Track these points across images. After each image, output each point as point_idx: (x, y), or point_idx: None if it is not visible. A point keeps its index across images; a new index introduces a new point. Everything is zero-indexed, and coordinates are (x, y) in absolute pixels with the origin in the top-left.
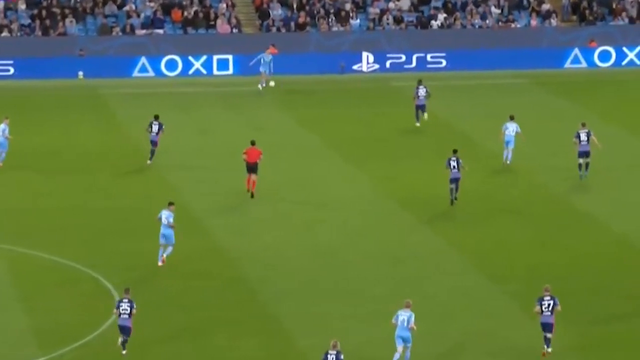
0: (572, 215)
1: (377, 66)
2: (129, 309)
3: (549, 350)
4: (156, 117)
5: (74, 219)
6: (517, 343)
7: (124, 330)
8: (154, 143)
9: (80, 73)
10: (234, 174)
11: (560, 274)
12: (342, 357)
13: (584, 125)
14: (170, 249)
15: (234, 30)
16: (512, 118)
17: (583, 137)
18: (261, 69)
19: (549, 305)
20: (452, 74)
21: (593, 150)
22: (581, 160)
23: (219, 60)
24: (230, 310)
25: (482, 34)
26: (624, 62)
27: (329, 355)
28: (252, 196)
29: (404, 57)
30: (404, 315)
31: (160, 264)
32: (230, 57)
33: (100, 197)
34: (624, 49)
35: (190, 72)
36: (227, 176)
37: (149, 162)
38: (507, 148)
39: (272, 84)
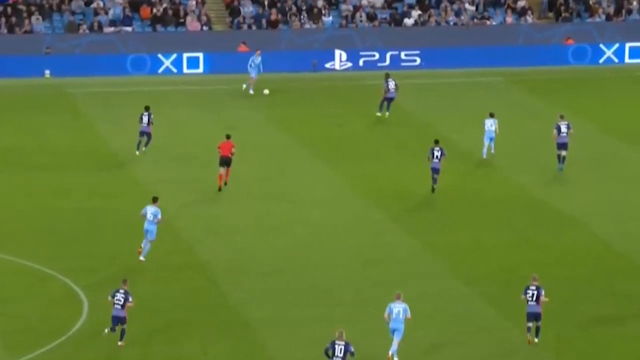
0: (549, 214)
1: (350, 64)
2: (122, 299)
3: (536, 340)
4: (147, 108)
5: (42, 221)
6: (492, 346)
7: (115, 320)
8: (142, 134)
9: (47, 72)
10: (205, 174)
11: (537, 275)
12: (352, 348)
13: (562, 117)
14: (148, 246)
15: (204, 28)
16: (492, 115)
17: (563, 128)
18: (253, 74)
19: (533, 294)
20: (427, 72)
21: (571, 146)
22: (559, 152)
23: (188, 59)
24: (201, 314)
25: (457, 31)
26: (600, 60)
27: (336, 346)
28: (220, 189)
29: (377, 55)
30: (398, 307)
31: (141, 258)
32: (200, 55)
33: (69, 198)
34: (601, 46)
35: (160, 70)
36: (198, 176)
37: (137, 152)
38: (489, 144)
39: (265, 91)
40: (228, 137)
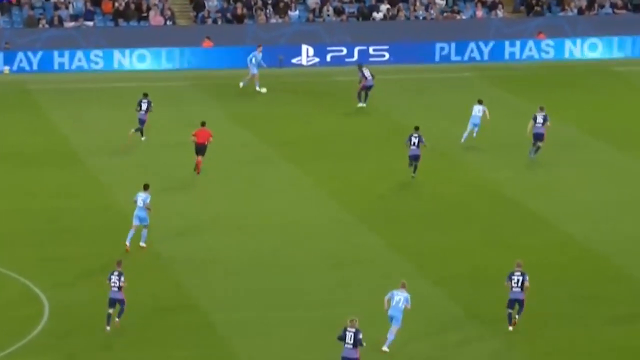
0: (520, 213)
1: (317, 60)
2: (117, 281)
3: (510, 328)
4: (145, 95)
5: (1, 222)
6: (461, 346)
7: (113, 303)
8: (142, 122)
9: (6, 68)
10: (166, 172)
11: (506, 275)
12: (360, 336)
13: (541, 109)
14: (145, 231)
15: (168, 23)
16: (480, 102)
17: (539, 119)
18: (254, 70)
19: (518, 280)
20: (396, 67)
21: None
22: (535, 143)
23: (151, 54)
24: (166, 318)
25: (426, 25)
26: (573, 55)
27: (347, 333)
28: (198, 172)
29: (345, 50)
30: (400, 296)
31: (127, 245)
32: (163, 50)
33: (29, 198)
34: (573, 40)
35: (121, 66)
36: (160, 174)
37: (143, 138)
38: (472, 129)
39: (263, 90)
40: (203, 124)
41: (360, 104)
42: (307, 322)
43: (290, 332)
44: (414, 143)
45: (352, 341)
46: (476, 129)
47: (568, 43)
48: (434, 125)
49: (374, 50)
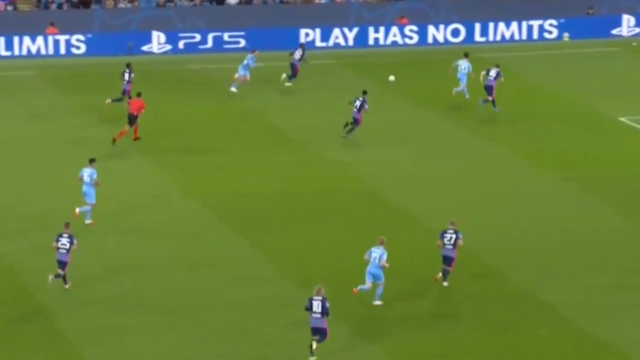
0: (385, 210)
1: (169, 47)
2: (68, 244)
3: (445, 284)
4: (128, 65)
5: None
6: (327, 351)
7: (62, 265)
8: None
9: None
10: (10, 167)
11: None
12: (327, 305)
13: (497, 66)
14: (88, 208)
15: (8, 8)
16: (466, 55)
17: (492, 73)
18: (242, 72)
19: (451, 238)
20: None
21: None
22: (487, 97)
23: None
24: (15, 324)
25: (284, 10)
26: (437, 40)
27: (314, 302)
28: (113, 142)
29: (198, 37)
30: (376, 252)
31: (89, 221)
32: (1, 38)
33: None
34: (436, 25)
35: None
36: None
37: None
38: (460, 84)
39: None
40: (139, 94)
41: (287, 83)
42: (161, 327)
43: (142, 338)
44: (356, 106)
45: (320, 309)
46: (464, 86)
47: (431, 28)
48: (293, 117)
49: (229, 36)
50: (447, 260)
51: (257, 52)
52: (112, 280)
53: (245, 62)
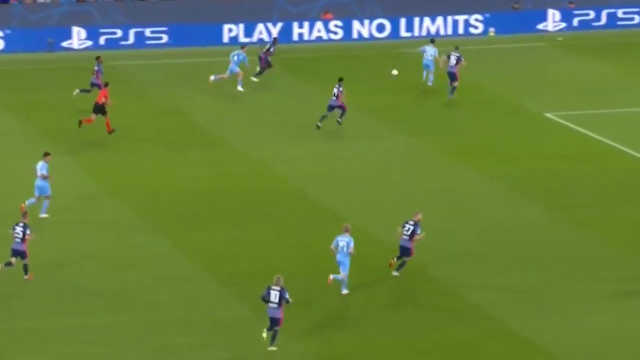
0: (311, 208)
1: (89, 43)
2: (21, 233)
3: (395, 273)
4: (97, 58)
5: None
6: (253, 351)
7: (15, 253)
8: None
9: None
10: None
11: (301, 273)
12: (287, 295)
13: (457, 48)
14: (46, 202)
15: None
16: (432, 41)
17: (452, 59)
18: (234, 70)
19: (409, 229)
20: (175, 50)
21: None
22: (451, 83)
23: None
24: None
25: (207, 6)
26: (362, 35)
27: (271, 291)
28: (79, 125)
29: (120, 33)
30: (343, 241)
31: (44, 215)
32: None
33: None
34: (361, 20)
35: None
36: None
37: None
38: (427, 70)
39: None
40: (106, 84)
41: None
42: (81, 331)
43: (64, 340)
44: (334, 94)
45: (277, 300)
46: (431, 73)
47: (356, 23)
48: (217, 115)
49: (151, 32)
50: (402, 250)
51: (246, 48)
52: (36, 280)
53: (235, 58)
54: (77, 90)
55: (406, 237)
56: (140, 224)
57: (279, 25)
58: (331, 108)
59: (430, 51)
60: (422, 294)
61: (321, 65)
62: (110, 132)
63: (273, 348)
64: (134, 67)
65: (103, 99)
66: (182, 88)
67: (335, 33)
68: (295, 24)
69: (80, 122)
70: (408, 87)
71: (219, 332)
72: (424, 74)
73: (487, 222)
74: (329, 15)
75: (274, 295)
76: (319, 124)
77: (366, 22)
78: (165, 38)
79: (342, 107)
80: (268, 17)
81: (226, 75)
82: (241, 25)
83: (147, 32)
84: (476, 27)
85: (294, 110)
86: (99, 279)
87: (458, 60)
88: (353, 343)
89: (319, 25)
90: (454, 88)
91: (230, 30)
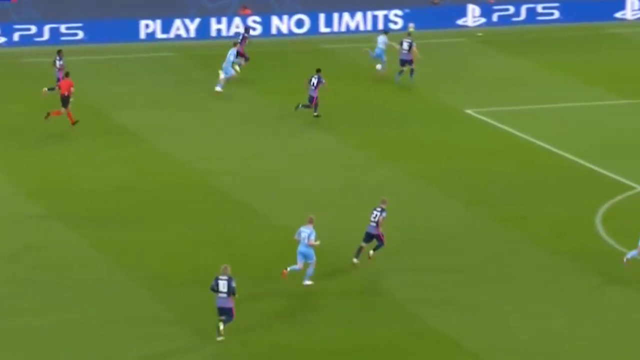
0: (227, 206)
1: (3, 39)
2: None
3: (372, 252)
4: (59, 52)
5: None
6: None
7: None
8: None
9: None
10: None
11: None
12: (234, 284)
13: (409, 34)
14: None
15: None
16: (385, 32)
17: (405, 45)
18: (230, 72)
19: (375, 216)
20: (92, 47)
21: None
22: (402, 68)
23: None
24: None
25: (123, 2)
26: (281, 31)
27: (220, 281)
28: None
29: (34, 29)
30: (305, 232)
31: None
32: None
33: None
34: (279, 16)
35: None
36: None
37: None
38: (379, 59)
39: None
40: (67, 74)
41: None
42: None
43: None
44: (313, 83)
45: (226, 289)
46: (384, 62)
47: (275, 19)
48: (138, 111)
49: (66, 28)
50: (368, 236)
51: (238, 45)
52: None
53: (232, 58)
54: (45, 89)
55: (373, 224)
56: (57, 224)
57: (197, 21)
58: (311, 99)
59: (381, 39)
60: (341, 293)
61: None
62: (74, 123)
63: (221, 338)
64: (49, 64)
65: (70, 89)
66: (98, 85)
67: (254, 29)
68: (213, 20)
69: (47, 114)
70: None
71: (139, 333)
72: (378, 64)
73: (407, 220)
74: (247, 11)
75: (223, 285)
76: (297, 108)
77: (285, 17)
78: (80, 34)
79: (312, 99)
80: (185, 13)
81: (225, 75)
82: (158, 21)
83: (62, 28)
84: (396, 23)
85: (212, 108)
86: (15, 280)
87: (410, 46)
88: (270, 343)
89: (237, 21)
90: (412, 70)
91: (147, 26)
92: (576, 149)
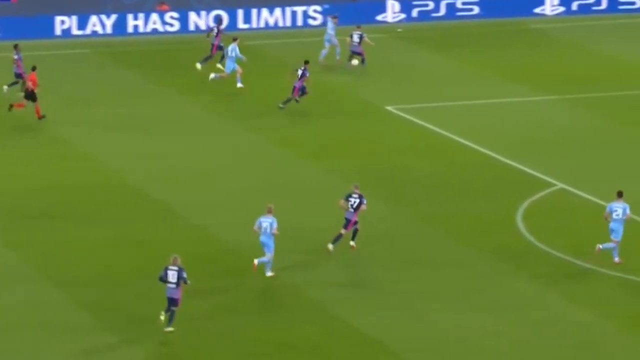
0: (147, 206)
1: None
2: None
3: (352, 243)
4: (15, 47)
5: None
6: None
7: None
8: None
9: None
10: None
11: (140, 273)
12: (185, 274)
13: (358, 27)
14: None
15: None
16: (234, 40)
17: (355, 37)
18: (231, 67)
19: (354, 203)
20: (4, 44)
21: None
22: (352, 61)
23: None
24: None
25: None
26: (199, 27)
27: (169, 272)
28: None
29: None
30: (266, 222)
31: None
32: None
33: None
34: (197, 12)
35: None
36: None
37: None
38: (331, 44)
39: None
40: (33, 69)
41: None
42: None
43: None
44: (300, 75)
45: (175, 280)
46: (328, 47)
47: (192, 15)
48: (50, 108)
49: None
50: (348, 222)
51: (238, 39)
52: None
53: (233, 54)
54: (6, 87)
55: (352, 210)
56: None
57: (113, 17)
58: (294, 90)
59: (329, 25)
60: (263, 292)
61: (157, 58)
62: (40, 118)
63: (170, 329)
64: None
65: (31, 85)
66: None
67: (172, 25)
68: (130, 16)
69: (10, 106)
70: (249, 81)
71: (56, 334)
72: (325, 52)
73: (326, 217)
74: (164, 7)
75: (172, 275)
76: (282, 106)
77: (203, 13)
78: None
79: (296, 90)
80: (101, 9)
81: (225, 74)
82: (74, 17)
83: None
84: (315, 19)
85: (129, 106)
86: None
87: (361, 37)
88: (191, 345)
89: (154, 17)
90: (363, 60)
91: (62, 22)
92: (497, 146)
